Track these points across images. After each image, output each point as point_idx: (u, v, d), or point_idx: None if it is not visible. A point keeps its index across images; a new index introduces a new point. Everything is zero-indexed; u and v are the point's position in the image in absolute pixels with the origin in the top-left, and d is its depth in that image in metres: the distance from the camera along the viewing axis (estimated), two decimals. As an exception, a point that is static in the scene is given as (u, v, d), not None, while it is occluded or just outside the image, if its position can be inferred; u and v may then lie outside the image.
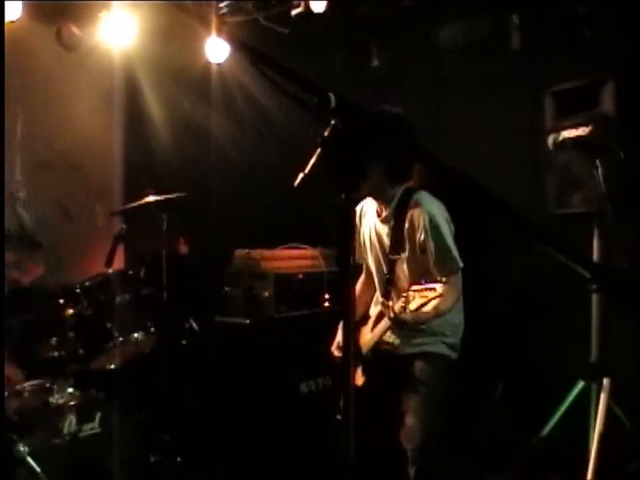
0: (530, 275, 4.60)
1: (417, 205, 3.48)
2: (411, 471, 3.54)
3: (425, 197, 3.54)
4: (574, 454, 3.87)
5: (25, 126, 5.28)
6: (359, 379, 3.67)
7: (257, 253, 5.31)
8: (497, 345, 4.74)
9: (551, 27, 4.63)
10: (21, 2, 4.88)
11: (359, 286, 3.94)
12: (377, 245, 3.70)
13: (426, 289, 3.18)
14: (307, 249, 5.46)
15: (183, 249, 5.75)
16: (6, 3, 4.74)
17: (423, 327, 3.49)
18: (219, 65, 5.61)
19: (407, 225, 3.50)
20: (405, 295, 3.27)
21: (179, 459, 4.55)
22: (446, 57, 5.19)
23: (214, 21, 5.16)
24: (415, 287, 3.24)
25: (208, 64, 5.63)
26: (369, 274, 3.85)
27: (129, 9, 5.22)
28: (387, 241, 3.61)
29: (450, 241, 3.47)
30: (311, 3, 5.05)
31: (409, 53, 5.34)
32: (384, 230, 3.64)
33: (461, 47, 5.12)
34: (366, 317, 3.80)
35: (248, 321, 5.10)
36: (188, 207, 4.80)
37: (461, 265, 3.46)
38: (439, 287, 3.16)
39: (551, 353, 4.58)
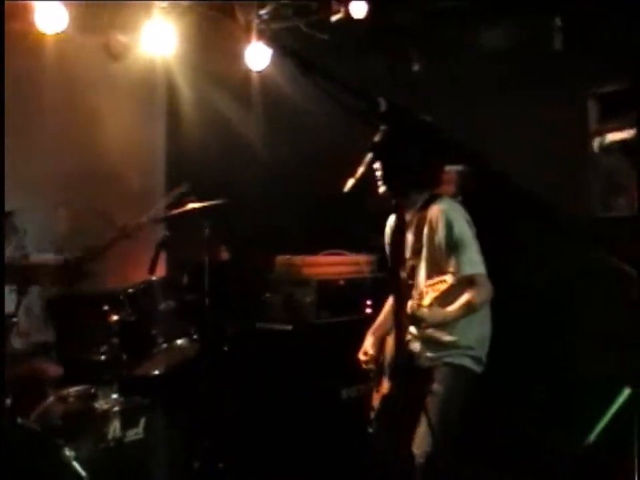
0: (574, 277, 4.54)
1: (436, 207, 3.45)
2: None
3: (445, 201, 3.51)
4: (618, 463, 3.80)
5: (67, 136, 5.34)
6: (385, 387, 3.64)
7: (298, 259, 5.32)
8: (538, 350, 4.68)
9: (593, 28, 4.57)
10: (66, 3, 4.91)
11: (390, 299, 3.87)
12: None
13: (438, 282, 3.14)
14: (348, 255, 5.46)
15: (224, 255, 5.78)
16: (53, 13, 4.81)
17: (450, 338, 3.44)
18: (259, 72, 5.64)
19: (425, 229, 3.47)
20: (419, 292, 3.25)
21: (220, 465, 4.56)
22: (487, 61, 5.15)
23: (255, 28, 5.25)
24: (427, 282, 3.23)
25: (248, 71, 5.66)
26: None
27: (171, 17, 5.26)
28: (409, 246, 3.55)
29: (469, 240, 3.41)
30: (351, 8, 5.06)
31: (449, 57, 5.31)
32: (407, 237, 3.57)
33: (502, 50, 5.08)
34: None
35: (289, 327, 5.11)
36: (229, 214, 4.82)
37: (482, 267, 3.39)
38: (448, 278, 3.12)
39: (596, 359, 4.51)
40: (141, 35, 5.39)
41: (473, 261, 3.37)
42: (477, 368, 3.53)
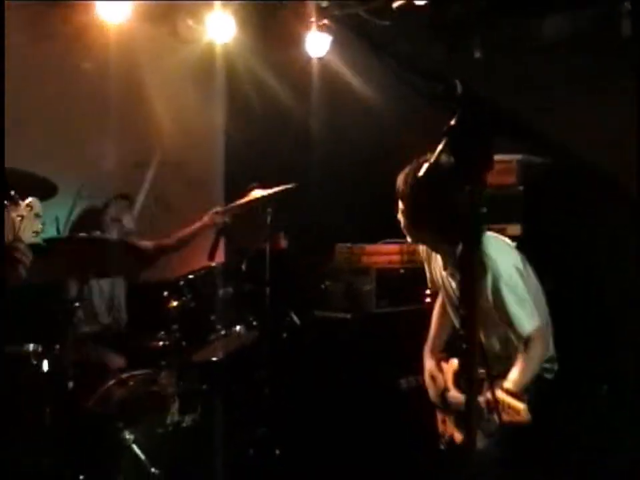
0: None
1: (481, 259, 3.00)
2: None
3: (490, 247, 3.14)
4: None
5: (128, 123, 5.40)
6: (456, 435, 3.50)
7: (358, 247, 5.30)
8: (602, 348, 4.56)
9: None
10: (129, 2, 4.97)
11: (436, 310, 3.75)
12: (449, 293, 3.41)
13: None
14: (408, 244, 5.40)
15: (283, 243, 5.79)
16: (113, 4, 4.86)
17: None
18: (319, 59, 5.62)
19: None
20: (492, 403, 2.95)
21: (277, 452, 4.58)
22: (551, 49, 5.04)
23: (315, 15, 5.23)
24: (503, 398, 2.93)
25: (308, 58, 5.64)
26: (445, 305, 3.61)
27: (231, 4, 5.27)
28: (455, 294, 3.27)
29: (516, 303, 3.08)
30: (412, -6, 4.99)
31: (511, 45, 5.20)
32: (451, 283, 3.32)
33: (567, 37, 4.96)
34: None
35: (348, 316, 5.10)
36: (289, 201, 4.82)
37: (534, 325, 3.08)
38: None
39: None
40: (202, 22, 5.42)
41: (524, 325, 3.08)
42: (547, 374, 3.32)
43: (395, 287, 5.24)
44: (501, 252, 3.17)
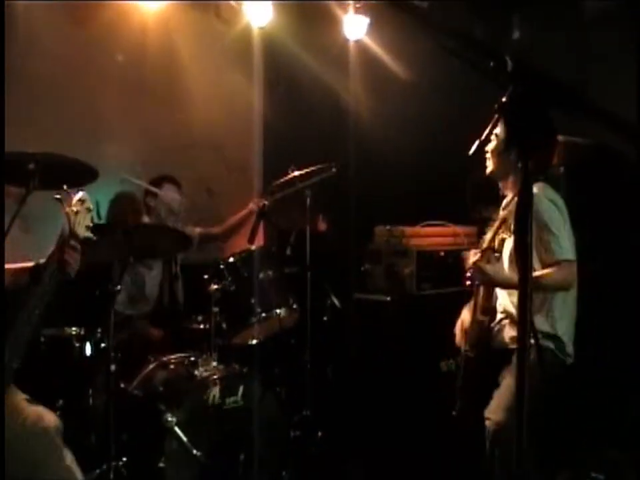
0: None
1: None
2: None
3: (537, 185, 3.35)
4: None
5: (169, 108, 5.42)
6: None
7: (398, 229, 5.28)
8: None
9: None
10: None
11: None
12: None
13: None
14: (449, 226, 5.37)
15: (322, 226, 5.79)
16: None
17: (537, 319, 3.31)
18: (357, 41, 5.59)
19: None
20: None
21: (319, 434, 4.59)
22: (592, 26, 4.94)
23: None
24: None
25: (346, 40, 5.61)
26: None
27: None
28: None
29: (558, 226, 3.32)
30: (451, -26, 4.93)
31: (551, 22, 5.11)
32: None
33: (609, 13, 4.85)
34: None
35: (389, 298, 5.09)
36: (328, 184, 4.80)
37: (570, 256, 3.29)
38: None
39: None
40: (243, 3, 5.41)
41: (559, 251, 3.28)
42: (562, 356, 3.42)
43: (435, 269, 5.21)
44: (547, 190, 3.40)
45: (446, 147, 4.73)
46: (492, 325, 3.49)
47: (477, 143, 2.02)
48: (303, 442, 4.53)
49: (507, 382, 3.38)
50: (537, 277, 3.20)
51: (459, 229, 5.35)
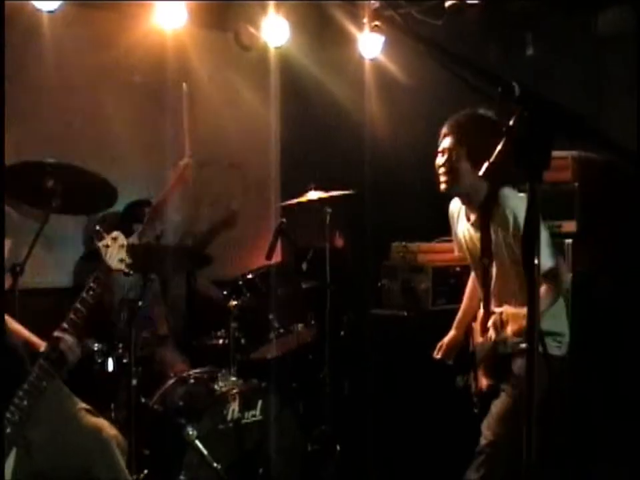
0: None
1: (500, 205, 3.34)
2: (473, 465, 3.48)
3: (507, 194, 3.36)
4: None
5: (189, 127, 5.51)
6: (482, 382, 3.61)
7: (414, 246, 5.32)
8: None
9: None
10: (184, 3, 5.07)
11: (470, 283, 3.93)
12: (472, 249, 3.60)
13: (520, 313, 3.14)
14: (464, 242, 5.41)
15: (339, 242, 5.85)
16: (171, 10, 4.97)
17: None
18: (372, 59, 5.66)
19: (492, 229, 3.38)
20: (496, 317, 3.25)
21: (338, 448, 4.63)
22: (606, 45, 4.98)
23: (368, 15, 5.25)
24: (509, 310, 3.22)
25: (361, 59, 5.68)
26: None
27: (284, 9, 5.34)
28: (478, 245, 3.48)
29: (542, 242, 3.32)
30: (465, -7, 5.00)
31: (565, 41, 5.16)
32: (475, 235, 3.52)
33: (623, 33, 4.89)
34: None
35: (405, 313, 5.12)
36: (345, 201, 4.87)
37: (552, 264, 3.23)
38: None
39: None
40: (260, 27, 5.50)
41: (547, 255, 3.23)
42: (559, 352, 3.47)
43: (451, 285, 5.24)
44: (518, 201, 3.30)
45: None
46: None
47: (486, 164, 2.08)
48: (321, 456, 4.57)
49: (504, 397, 3.43)
50: (552, 298, 3.25)
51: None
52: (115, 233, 3.18)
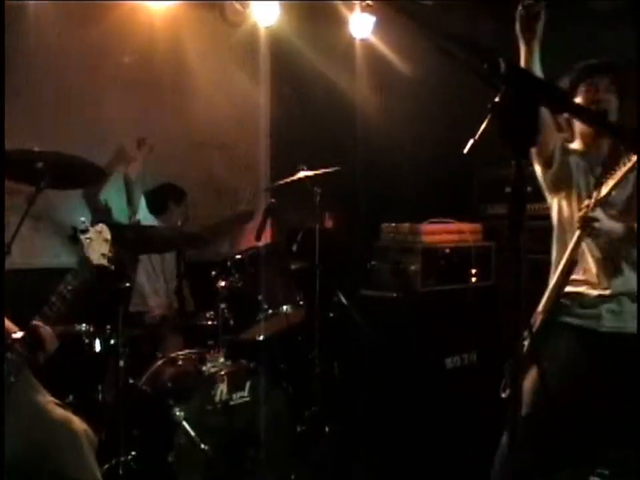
0: None
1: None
2: None
3: None
4: None
5: (178, 108, 5.47)
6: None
7: (404, 226, 5.32)
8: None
9: None
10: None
11: None
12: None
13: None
14: (453, 223, 5.41)
15: (328, 223, 5.83)
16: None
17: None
18: (363, 39, 5.62)
19: None
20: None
21: (327, 429, 4.64)
22: (601, 22, 4.95)
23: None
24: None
25: (352, 39, 5.64)
26: None
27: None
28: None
29: None
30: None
31: (560, 17, 5.11)
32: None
33: (619, 7, 4.87)
34: None
35: (394, 295, 5.13)
36: (335, 182, 4.85)
37: None
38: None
39: None
40: (249, 5, 5.45)
41: None
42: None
43: (440, 266, 5.25)
44: None
45: (452, 144, 4.76)
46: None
47: (470, 141, 2.06)
48: (310, 437, 4.58)
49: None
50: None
51: (464, 226, 5.39)
52: (100, 226, 3.10)
